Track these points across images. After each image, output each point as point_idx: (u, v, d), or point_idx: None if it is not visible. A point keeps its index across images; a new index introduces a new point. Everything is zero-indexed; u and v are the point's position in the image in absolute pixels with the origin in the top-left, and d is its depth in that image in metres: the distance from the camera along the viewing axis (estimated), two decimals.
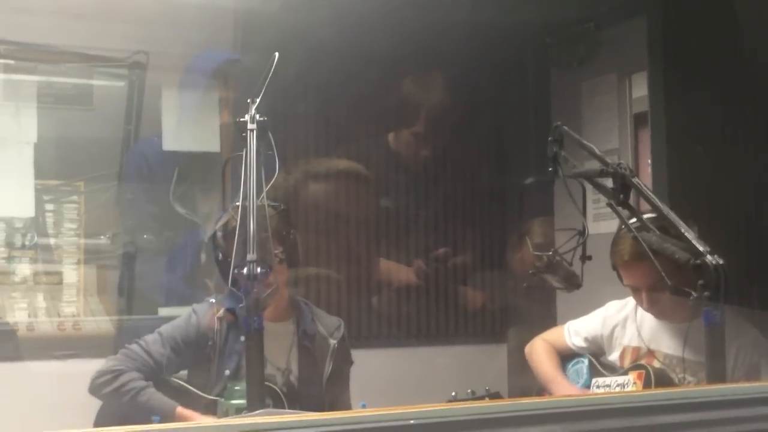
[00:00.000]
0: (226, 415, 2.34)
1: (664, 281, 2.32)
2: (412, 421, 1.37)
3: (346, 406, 2.95)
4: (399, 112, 4.06)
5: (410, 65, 4.00)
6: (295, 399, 2.72)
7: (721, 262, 2.17)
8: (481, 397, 2.66)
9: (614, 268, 2.87)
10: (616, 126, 4.10)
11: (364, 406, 2.90)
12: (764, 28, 3.22)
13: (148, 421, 2.52)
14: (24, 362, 3.41)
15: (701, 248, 2.22)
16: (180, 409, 2.70)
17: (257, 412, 1.94)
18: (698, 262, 2.20)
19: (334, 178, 3.92)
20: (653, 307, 2.85)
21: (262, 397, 2.11)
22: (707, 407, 1.69)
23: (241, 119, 2.36)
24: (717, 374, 2.10)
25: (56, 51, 3.64)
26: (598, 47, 4.10)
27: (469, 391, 2.68)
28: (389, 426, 1.35)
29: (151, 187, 3.63)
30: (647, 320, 2.95)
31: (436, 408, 1.47)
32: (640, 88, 4.00)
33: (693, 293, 2.19)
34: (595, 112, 4.15)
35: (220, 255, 2.68)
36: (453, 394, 2.62)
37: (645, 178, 3.88)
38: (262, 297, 2.14)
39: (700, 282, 2.18)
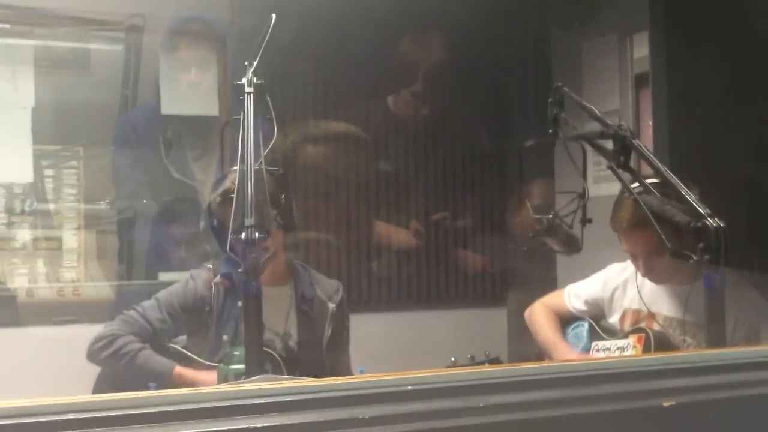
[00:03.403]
0: (225, 380, 2.34)
1: (664, 245, 2.31)
2: (409, 387, 1.37)
3: (346, 371, 2.96)
4: (397, 72, 4.02)
5: (409, 25, 3.97)
6: (295, 364, 2.72)
7: (721, 224, 2.16)
8: (481, 362, 2.66)
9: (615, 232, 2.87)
10: (617, 87, 4.07)
11: (362, 372, 2.91)
12: None
13: (146, 385, 2.54)
14: (24, 328, 3.42)
15: (702, 211, 2.21)
16: (178, 369, 2.71)
17: (256, 377, 1.94)
18: (699, 224, 2.19)
19: (332, 141, 3.89)
20: (651, 273, 2.85)
21: (260, 362, 2.11)
22: (707, 372, 1.69)
23: (239, 82, 2.33)
24: (717, 337, 2.09)
25: (53, 15, 3.61)
26: (598, 7, 4.06)
27: (468, 355, 2.68)
28: (386, 392, 1.35)
29: (144, 153, 3.61)
30: (648, 283, 2.95)
31: (434, 373, 1.47)
32: (641, 49, 3.98)
33: (693, 256, 2.18)
34: (596, 73, 4.13)
35: (217, 220, 2.67)
36: (452, 359, 2.62)
37: (646, 140, 3.86)
38: (260, 262, 2.13)
39: (701, 245, 2.17)
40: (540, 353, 3.15)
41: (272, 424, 1.24)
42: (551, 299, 3.22)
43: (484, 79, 4.33)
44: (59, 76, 3.69)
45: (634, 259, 2.87)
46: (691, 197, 2.28)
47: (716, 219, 2.19)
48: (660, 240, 2.33)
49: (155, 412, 1.20)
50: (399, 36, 3.98)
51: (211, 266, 2.83)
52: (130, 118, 3.72)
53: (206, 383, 2.59)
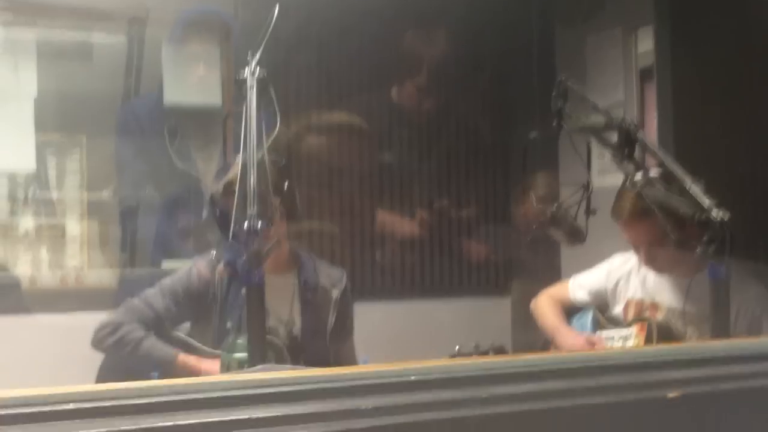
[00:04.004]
0: (228, 369, 2.34)
1: (667, 237, 2.32)
2: (412, 378, 1.36)
3: (351, 359, 2.96)
4: (401, 64, 4.02)
5: (413, 17, 3.96)
6: (299, 352, 2.72)
7: (726, 216, 2.16)
8: (486, 351, 2.66)
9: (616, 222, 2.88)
10: (621, 80, 4.07)
11: (366, 361, 2.92)
12: None
13: (149, 374, 2.54)
14: (28, 315, 3.42)
15: (707, 203, 2.21)
16: (182, 356, 2.71)
17: (258, 366, 1.94)
18: (703, 217, 2.19)
19: (335, 131, 3.89)
20: (653, 263, 2.87)
21: (263, 351, 2.10)
22: (712, 363, 1.69)
23: (242, 77, 2.33)
24: (720, 328, 2.09)
25: (55, 5, 3.60)
26: (603, 1, 4.05)
27: (473, 344, 2.68)
28: (389, 382, 1.34)
29: (147, 143, 3.61)
30: (651, 274, 2.96)
31: (437, 364, 1.47)
32: (645, 43, 3.97)
33: (697, 248, 2.18)
34: (601, 67, 4.12)
35: (221, 210, 2.66)
36: (457, 348, 2.63)
37: (651, 133, 3.86)
38: (263, 251, 2.13)
39: (705, 237, 2.17)
40: (546, 342, 3.16)
41: (273, 414, 1.23)
42: (556, 290, 3.23)
43: (488, 72, 4.32)
44: (62, 66, 3.68)
45: (637, 250, 2.88)
46: (695, 188, 2.28)
47: (721, 211, 2.19)
48: (661, 231, 2.33)
49: (156, 402, 1.19)
50: (403, 28, 3.97)
51: (214, 254, 2.83)
52: (133, 107, 3.72)
53: (209, 372, 2.59)
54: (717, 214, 2.17)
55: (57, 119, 3.67)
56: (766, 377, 1.67)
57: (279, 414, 1.23)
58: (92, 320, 2.80)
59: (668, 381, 1.57)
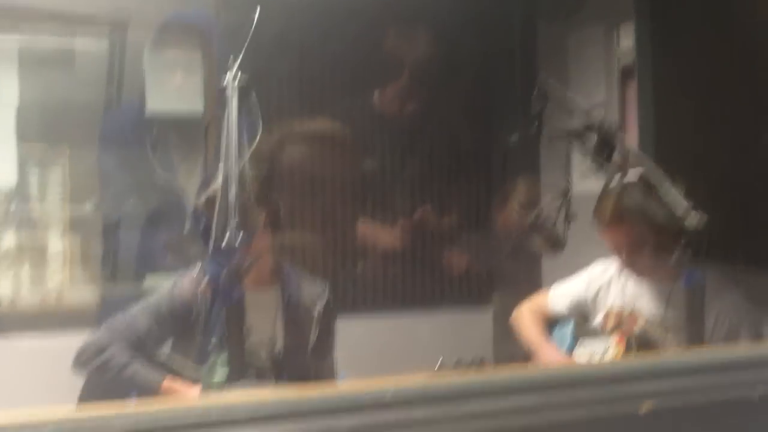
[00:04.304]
0: (208, 387, 2.33)
1: (646, 240, 2.33)
2: (388, 395, 1.37)
3: (332, 374, 2.95)
4: (383, 68, 4.01)
5: (393, 20, 3.95)
6: (281, 368, 2.71)
7: (703, 221, 2.18)
8: (468, 365, 2.66)
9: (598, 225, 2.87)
10: (603, 79, 4.07)
11: (343, 377, 2.92)
12: None
13: (129, 395, 2.51)
14: (7, 334, 3.39)
15: (685, 206, 2.22)
16: (167, 382, 2.67)
17: (238, 384, 1.95)
18: (682, 218, 2.20)
19: (316, 141, 3.88)
20: (633, 266, 2.85)
21: (244, 367, 2.11)
22: (687, 373, 1.70)
23: (224, 83, 2.32)
24: (696, 337, 2.11)
25: (36, 12, 3.58)
26: None
27: (455, 359, 2.69)
28: (367, 401, 1.35)
29: (129, 153, 3.60)
30: (631, 281, 2.94)
31: (416, 381, 1.47)
32: (628, 39, 3.97)
33: (676, 251, 2.20)
34: (582, 65, 4.12)
35: (204, 222, 2.65)
36: (439, 361, 2.63)
37: (633, 131, 3.87)
38: (244, 265, 2.13)
39: (683, 239, 2.19)
40: (527, 355, 3.16)
41: None
42: (536, 302, 3.22)
43: (471, 74, 4.31)
44: (44, 73, 3.67)
45: (617, 252, 2.88)
46: (675, 191, 2.29)
47: (699, 212, 2.20)
48: (641, 234, 2.34)
49: (134, 429, 1.20)
50: (384, 31, 3.96)
51: (197, 269, 2.82)
52: (116, 117, 3.70)
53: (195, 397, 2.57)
54: (694, 218, 2.18)
55: (39, 129, 3.65)
56: (742, 387, 1.69)
57: None
58: (74, 340, 2.75)
59: (648, 393, 1.58)
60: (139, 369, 2.68)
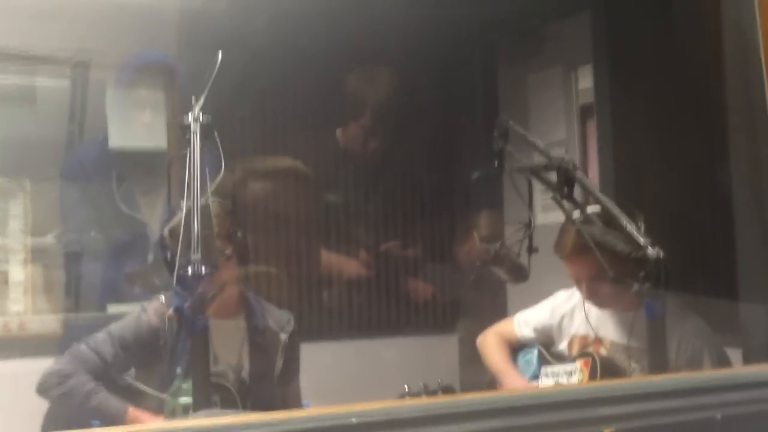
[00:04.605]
0: (173, 414, 2.33)
1: (605, 273, 2.36)
2: (353, 420, 1.38)
3: (296, 401, 2.96)
4: (346, 106, 4.05)
5: (357, 60, 4.00)
6: (247, 395, 2.71)
7: (661, 254, 2.21)
8: (434, 391, 2.67)
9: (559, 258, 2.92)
10: (563, 118, 4.15)
11: (307, 404, 2.92)
12: (701, 22, 3.27)
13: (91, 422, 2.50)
14: None
15: (642, 241, 2.26)
16: (132, 411, 2.67)
17: (202, 411, 1.94)
18: (639, 254, 2.24)
19: (279, 176, 3.89)
20: (594, 298, 2.90)
21: (208, 395, 2.10)
22: (652, 398, 1.72)
23: (186, 122, 2.34)
24: (659, 364, 2.14)
25: None
26: (544, 41, 4.14)
27: (421, 384, 2.69)
28: (331, 426, 1.36)
29: (92, 187, 3.59)
30: (594, 309, 2.99)
31: (379, 406, 1.48)
32: (586, 80, 4.05)
33: (635, 284, 2.23)
34: (542, 105, 4.20)
35: (168, 254, 2.66)
36: (406, 387, 2.64)
37: (593, 169, 3.93)
38: (207, 296, 2.14)
39: (642, 273, 2.22)
40: (492, 381, 3.18)
41: None
42: (501, 327, 3.24)
43: (433, 112, 4.36)
44: (5, 111, 3.66)
45: (578, 284, 2.92)
46: (631, 227, 2.33)
47: (657, 248, 2.24)
48: (600, 267, 2.38)
49: None
50: (345, 71, 4.01)
51: (163, 298, 2.81)
52: (78, 152, 3.70)
53: None
54: (652, 252, 2.22)
55: (1, 164, 3.63)
56: (706, 409, 1.71)
57: None
58: (38, 367, 2.73)
59: (613, 416, 1.60)
60: (105, 397, 2.67)
